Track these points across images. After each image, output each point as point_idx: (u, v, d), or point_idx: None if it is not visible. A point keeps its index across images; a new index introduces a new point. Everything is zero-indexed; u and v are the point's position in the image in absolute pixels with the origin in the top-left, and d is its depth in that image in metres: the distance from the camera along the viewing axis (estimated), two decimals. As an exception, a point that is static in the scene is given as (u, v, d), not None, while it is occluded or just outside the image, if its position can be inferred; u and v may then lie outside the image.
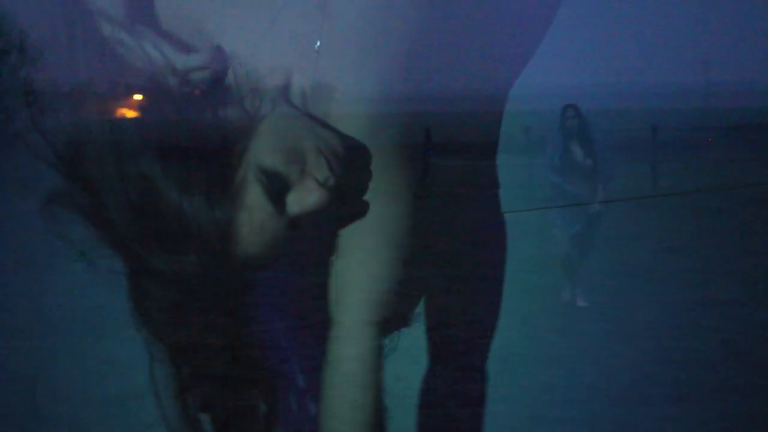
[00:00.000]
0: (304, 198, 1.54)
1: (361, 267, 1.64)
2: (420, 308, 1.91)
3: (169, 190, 1.50)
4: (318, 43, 1.62)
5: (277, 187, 1.52)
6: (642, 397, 5.66)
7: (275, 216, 1.52)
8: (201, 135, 1.57)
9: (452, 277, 1.89)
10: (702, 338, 6.87)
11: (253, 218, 1.51)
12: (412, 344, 6.07)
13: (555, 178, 8.31)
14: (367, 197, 1.60)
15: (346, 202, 1.59)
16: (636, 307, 7.89)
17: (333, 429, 1.65)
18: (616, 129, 21.79)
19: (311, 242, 1.61)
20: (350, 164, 1.58)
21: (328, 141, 1.58)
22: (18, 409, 5.31)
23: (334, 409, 1.66)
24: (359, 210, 1.61)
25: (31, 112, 1.75)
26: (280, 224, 1.54)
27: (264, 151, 1.53)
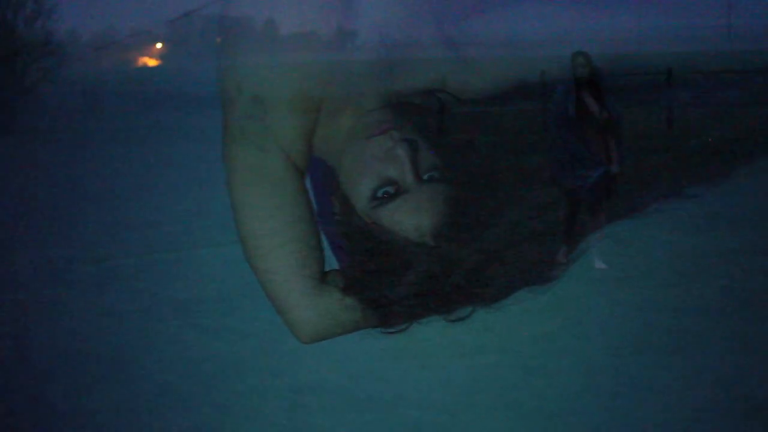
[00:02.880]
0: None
1: None
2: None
3: None
4: None
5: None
6: (641, 345, 5.68)
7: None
8: None
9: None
10: (708, 286, 6.87)
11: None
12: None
13: (563, 131, 7.52)
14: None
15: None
16: (639, 253, 7.85)
17: None
18: (635, 73, 21.60)
19: None
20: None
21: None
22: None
23: None
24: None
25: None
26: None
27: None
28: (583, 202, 7.26)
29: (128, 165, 15.06)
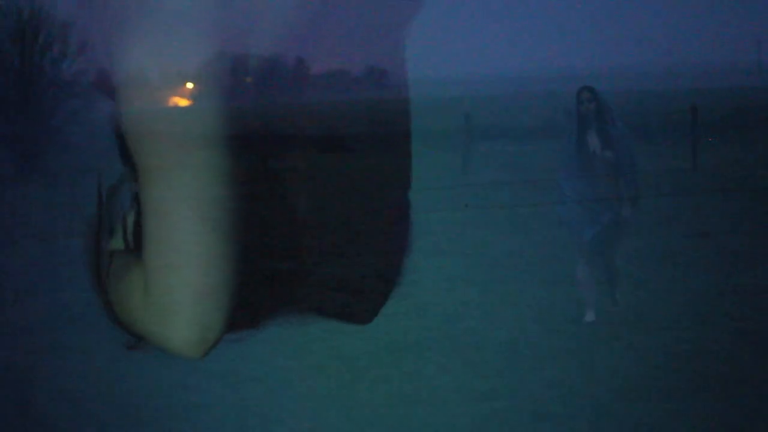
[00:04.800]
0: None
1: None
2: None
3: None
4: None
5: None
6: (653, 391, 5.59)
7: None
8: None
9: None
10: (721, 327, 6.75)
11: None
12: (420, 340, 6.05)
13: (568, 175, 6.98)
14: None
15: None
16: (652, 295, 7.67)
17: None
18: (662, 111, 21.50)
19: None
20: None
21: None
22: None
23: None
24: None
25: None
26: None
27: None
28: (593, 248, 6.75)
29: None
